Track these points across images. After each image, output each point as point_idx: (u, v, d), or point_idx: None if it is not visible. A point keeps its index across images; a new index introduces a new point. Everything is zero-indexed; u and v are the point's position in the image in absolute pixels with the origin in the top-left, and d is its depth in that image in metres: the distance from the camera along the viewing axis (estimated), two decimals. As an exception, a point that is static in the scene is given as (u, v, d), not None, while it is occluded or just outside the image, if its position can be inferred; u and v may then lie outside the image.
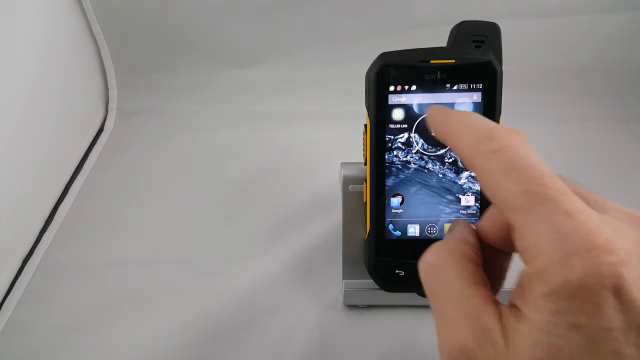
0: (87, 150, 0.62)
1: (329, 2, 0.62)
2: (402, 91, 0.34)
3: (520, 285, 0.18)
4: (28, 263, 0.47)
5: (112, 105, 0.68)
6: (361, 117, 0.36)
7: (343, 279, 0.41)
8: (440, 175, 0.36)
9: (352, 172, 0.39)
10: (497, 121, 0.35)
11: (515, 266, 0.42)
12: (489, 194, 0.19)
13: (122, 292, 0.44)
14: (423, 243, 0.37)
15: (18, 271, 0.47)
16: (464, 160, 0.20)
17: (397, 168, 0.36)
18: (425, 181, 0.36)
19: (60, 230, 0.51)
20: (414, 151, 0.36)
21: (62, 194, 0.55)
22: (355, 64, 0.44)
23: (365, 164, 0.36)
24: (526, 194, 0.18)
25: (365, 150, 0.36)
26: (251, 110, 0.66)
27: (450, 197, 0.36)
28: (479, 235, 0.22)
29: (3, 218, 0.46)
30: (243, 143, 0.61)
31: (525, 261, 0.18)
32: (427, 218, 0.37)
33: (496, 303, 0.19)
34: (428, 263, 0.21)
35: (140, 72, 0.68)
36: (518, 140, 0.19)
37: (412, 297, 0.40)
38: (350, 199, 0.39)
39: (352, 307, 0.42)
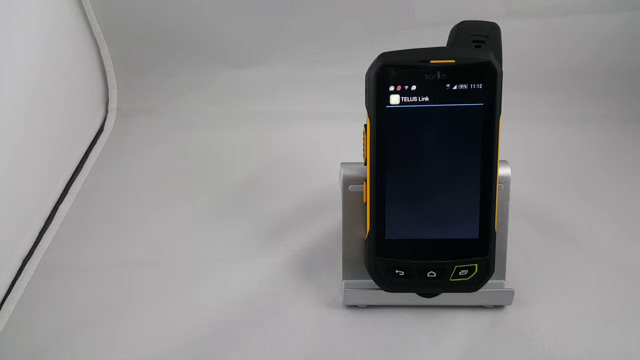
0: (87, 151, 0.62)
1: (329, 2, 0.62)
2: (402, 91, 0.34)
3: None
4: (28, 263, 0.47)
5: (112, 105, 0.68)
6: (361, 117, 0.36)
7: (343, 279, 0.41)
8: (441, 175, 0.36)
9: (352, 172, 0.39)
10: (497, 121, 0.35)
11: (516, 266, 0.42)
12: None
13: (122, 292, 0.44)
14: (423, 243, 0.37)
15: (18, 271, 0.47)
16: None
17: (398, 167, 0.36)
18: (426, 181, 0.36)
19: (60, 231, 0.51)
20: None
21: (62, 194, 0.55)
22: (355, 64, 0.44)
23: (365, 164, 0.36)
24: None
25: (365, 150, 0.36)
26: (251, 110, 0.66)
27: (450, 197, 0.36)
28: None
29: (3, 218, 0.46)
30: (243, 143, 0.61)
31: None
32: (428, 218, 0.37)
33: None
34: None
35: (140, 72, 0.68)
36: None
37: (412, 297, 0.40)
38: (350, 199, 0.39)
39: (352, 307, 0.42)
